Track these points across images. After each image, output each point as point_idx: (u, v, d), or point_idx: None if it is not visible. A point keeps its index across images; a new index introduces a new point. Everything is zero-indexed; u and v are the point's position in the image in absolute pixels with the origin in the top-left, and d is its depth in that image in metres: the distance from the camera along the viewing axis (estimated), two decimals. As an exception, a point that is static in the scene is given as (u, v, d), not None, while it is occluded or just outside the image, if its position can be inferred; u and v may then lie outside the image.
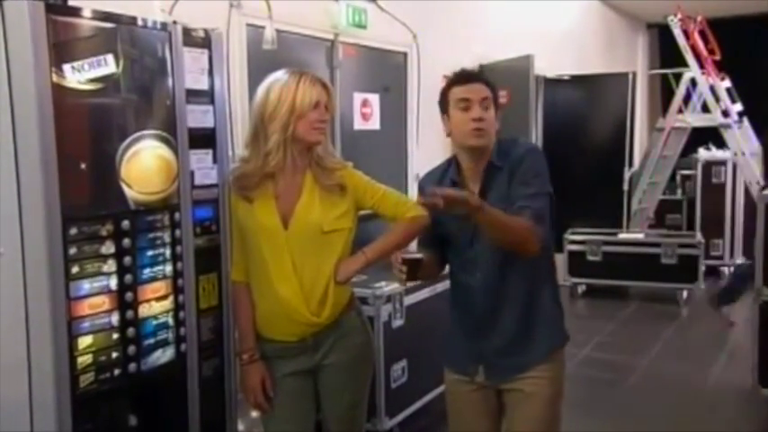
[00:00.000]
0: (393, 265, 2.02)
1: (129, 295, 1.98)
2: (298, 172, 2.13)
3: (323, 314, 2.13)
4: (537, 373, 2.08)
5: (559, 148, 6.80)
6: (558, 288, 2.22)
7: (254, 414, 2.97)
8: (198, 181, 2.16)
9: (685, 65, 6.71)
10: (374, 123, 4.73)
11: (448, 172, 2.15)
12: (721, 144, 7.07)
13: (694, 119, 7.31)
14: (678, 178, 8.20)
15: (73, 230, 1.85)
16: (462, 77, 2.08)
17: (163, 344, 2.09)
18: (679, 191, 8.20)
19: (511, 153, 2.06)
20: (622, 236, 6.69)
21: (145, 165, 2.01)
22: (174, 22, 2.09)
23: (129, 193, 1.97)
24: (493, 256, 2.05)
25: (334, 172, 2.16)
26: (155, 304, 2.06)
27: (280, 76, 2.12)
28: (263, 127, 2.09)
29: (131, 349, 2.00)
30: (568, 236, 6.57)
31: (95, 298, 1.91)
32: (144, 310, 2.03)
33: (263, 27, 3.60)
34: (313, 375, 2.21)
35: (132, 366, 2.00)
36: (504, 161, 2.06)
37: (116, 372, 1.97)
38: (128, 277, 1.98)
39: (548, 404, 2.10)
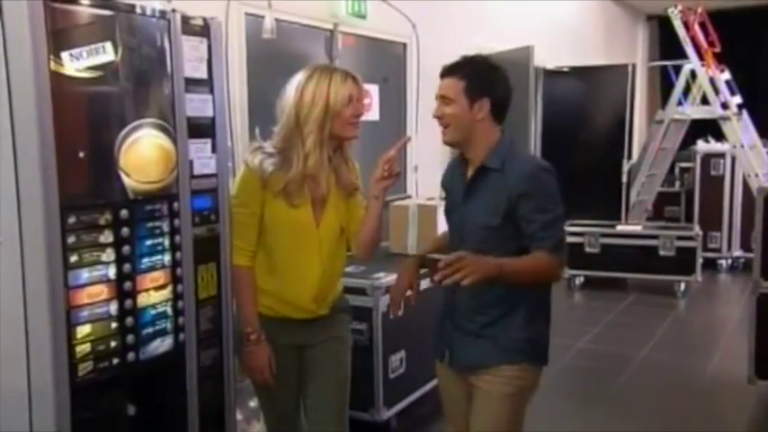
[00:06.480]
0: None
1: (127, 284, 1.97)
2: (329, 171, 2.22)
3: (326, 307, 2.29)
4: (493, 372, 2.05)
5: (558, 139, 6.82)
6: (544, 307, 2.13)
7: (253, 404, 2.99)
8: (197, 170, 2.15)
9: (685, 57, 6.70)
10: (373, 114, 4.72)
11: (459, 163, 2.19)
12: (720, 136, 7.07)
13: (693, 111, 7.30)
14: (677, 170, 8.20)
15: (71, 219, 1.84)
16: (440, 72, 2.12)
17: (161, 333, 2.08)
18: (677, 183, 8.21)
19: (515, 165, 2.04)
20: (620, 228, 6.69)
21: (143, 154, 2.00)
22: (173, 11, 2.07)
23: (128, 182, 1.96)
24: (477, 249, 1.98)
25: (354, 171, 2.29)
26: (153, 294, 2.05)
27: (309, 74, 2.17)
28: (299, 129, 2.15)
29: (130, 338, 1.99)
30: (567, 227, 6.55)
31: (94, 287, 1.90)
32: (142, 300, 2.02)
33: (262, 16, 3.59)
34: (301, 355, 2.29)
35: (131, 355, 2.00)
36: (500, 165, 2.04)
37: (114, 361, 1.96)
38: (126, 266, 1.97)
39: (499, 403, 2.05)
